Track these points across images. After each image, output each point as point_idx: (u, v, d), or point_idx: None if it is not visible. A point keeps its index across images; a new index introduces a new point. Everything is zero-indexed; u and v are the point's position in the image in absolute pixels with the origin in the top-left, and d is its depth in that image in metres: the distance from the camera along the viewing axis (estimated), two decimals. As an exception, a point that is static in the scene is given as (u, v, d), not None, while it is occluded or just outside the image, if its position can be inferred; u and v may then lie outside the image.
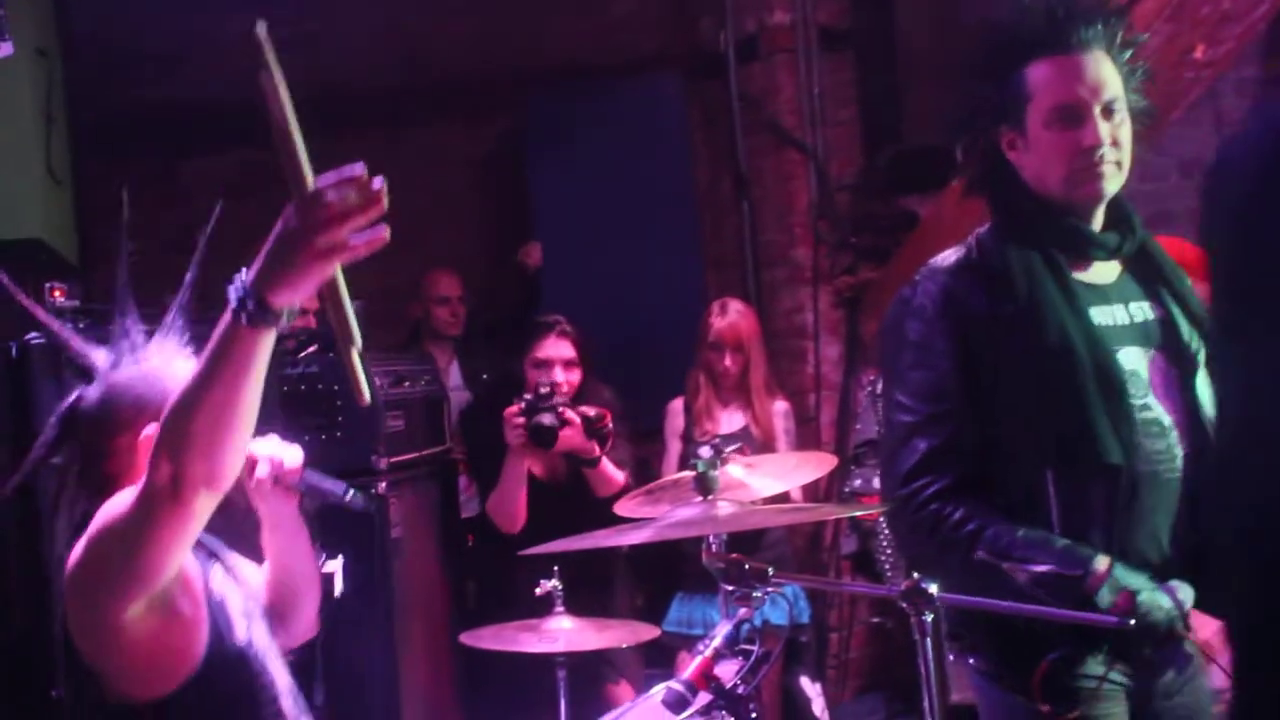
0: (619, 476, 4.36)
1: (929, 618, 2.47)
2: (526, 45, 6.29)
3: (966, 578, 2.47)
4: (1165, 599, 2.43)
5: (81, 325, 3.92)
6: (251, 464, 2.40)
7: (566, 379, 4.43)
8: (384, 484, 4.15)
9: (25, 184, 5.28)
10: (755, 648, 2.79)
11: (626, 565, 4.63)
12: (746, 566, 2.64)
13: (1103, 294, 2.65)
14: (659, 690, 2.73)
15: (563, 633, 3.63)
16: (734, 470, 3.42)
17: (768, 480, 3.43)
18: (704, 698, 2.69)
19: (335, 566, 3.06)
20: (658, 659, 4.54)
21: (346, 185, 1.75)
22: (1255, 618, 1.92)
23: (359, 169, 1.76)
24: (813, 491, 5.02)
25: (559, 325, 4.50)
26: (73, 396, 2.36)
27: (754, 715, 2.72)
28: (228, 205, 2.42)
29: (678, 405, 5.00)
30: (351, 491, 2.54)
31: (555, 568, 3.68)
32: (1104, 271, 2.68)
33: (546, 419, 4.16)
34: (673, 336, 5.24)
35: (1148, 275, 2.70)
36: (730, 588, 2.68)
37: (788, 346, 5.92)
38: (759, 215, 6.10)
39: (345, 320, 1.85)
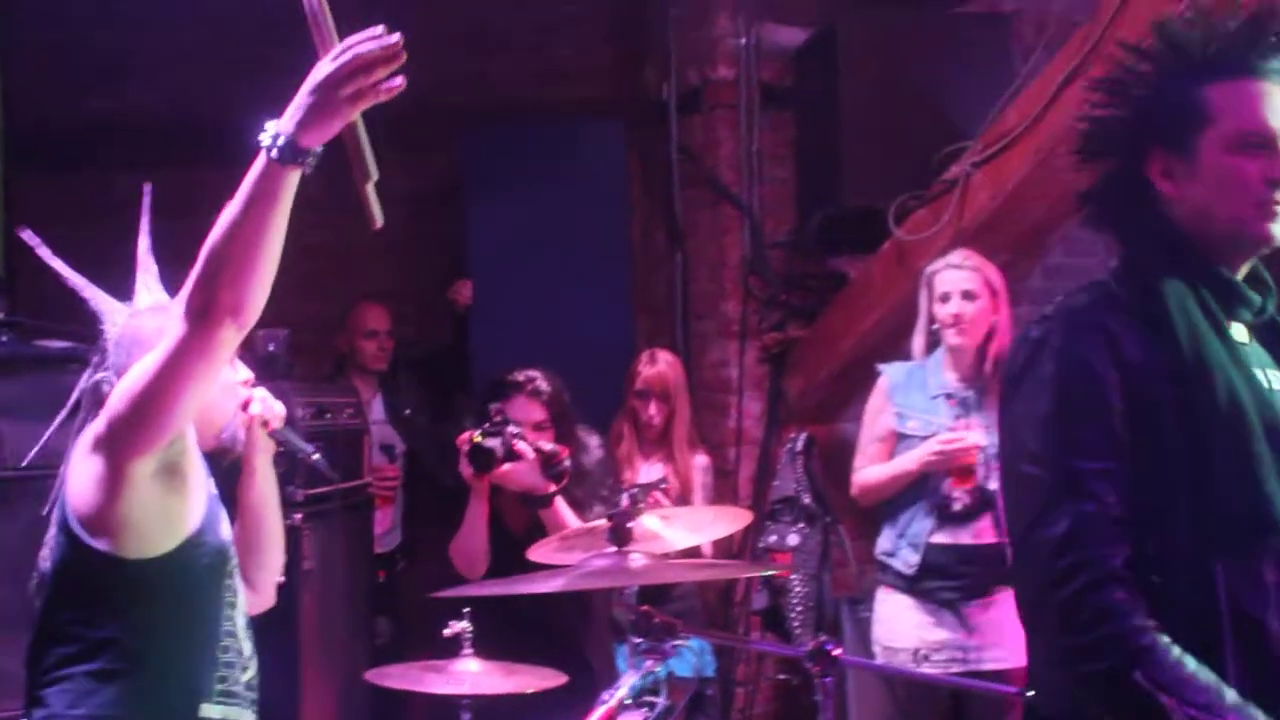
0: (573, 520, 3.98)
1: (832, 679, 2.50)
2: (469, 84, 6.32)
3: (1095, 685, 2.19)
4: None
5: (4, 339, 3.92)
6: (246, 402, 2.78)
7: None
8: (299, 516, 4.13)
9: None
10: (660, 699, 2.81)
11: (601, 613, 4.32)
12: (656, 620, 2.66)
13: (1244, 355, 2.34)
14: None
15: (469, 675, 3.61)
16: (649, 521, 3.44)
17: (682, 533, 3.46)
18: (606, 748, 2.70)
19: None
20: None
21: (370, 40, 2.01)
22: None
23: (380, 29, 2.01)
24: (726, 546, 5.05)
25: (530, 384, 4.13)
26: (91, 373, 2.55)
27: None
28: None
29: (598, 452, 5.00)
30: (319, 455, 3.08)
31: (466, 609, 3.65)
32: (1239, 333, 2.38)
33: (490, 442, 3.92)
34: (600, 382, 5.25)
35: (1270, 342, 2.42)
36: (638, 640, 2.70)
37: (711, 399, 5.95)
38: (692, 267, 6.14)
39: (363, 158, 2.09)
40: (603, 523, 3.25)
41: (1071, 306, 2.36)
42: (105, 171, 5.96)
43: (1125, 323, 2.28)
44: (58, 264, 2.59)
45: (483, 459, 3.93)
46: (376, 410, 5.75)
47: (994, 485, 4.28)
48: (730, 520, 4.00)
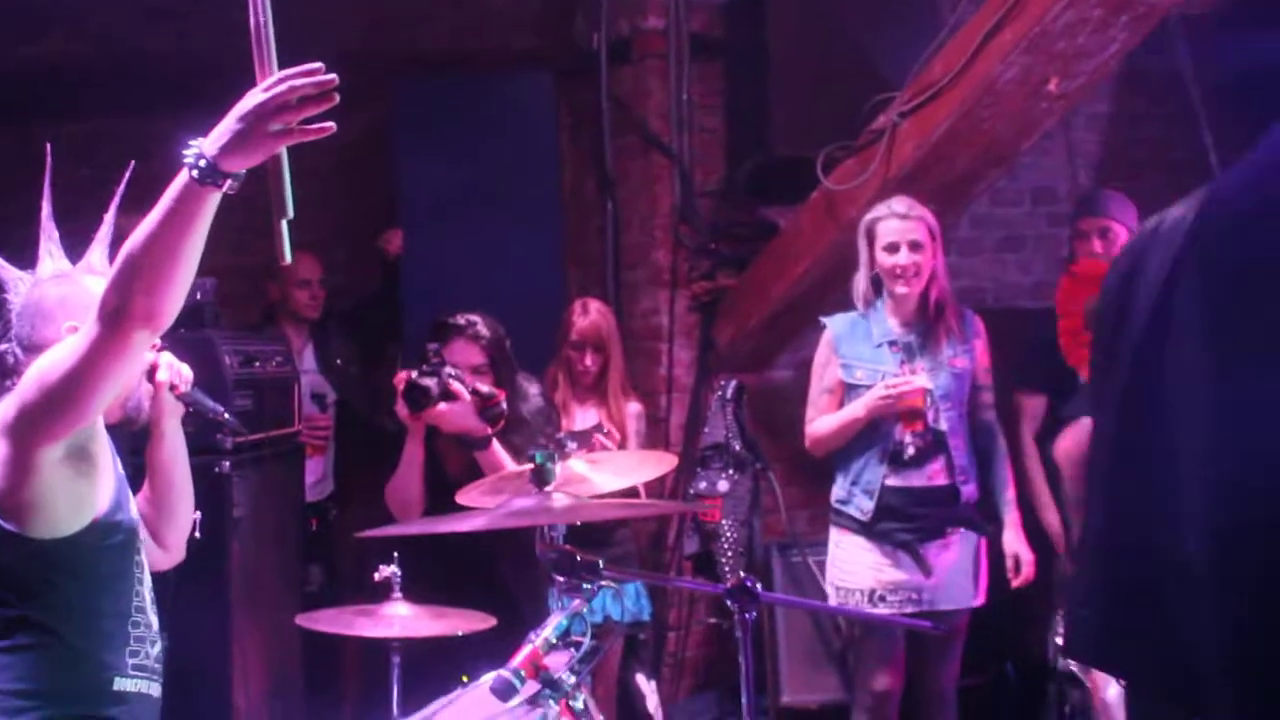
0: (510, 464, 3.95)
1: (752, 615, 2.55)
2: (399, 32, 6.28)
3: None
4: None
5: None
6: (153, 368, 2.80)
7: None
8: (228, 463, 4.13)
9: None
10: (586, 640, 2.84)
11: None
12: (578, 559, 2.69)
13: None
14: (489, 678, 2.77)
15: (398, 618, 3.64)
16: (577, 465, 3.48)
17: (609, 477, 3.50)
18: (532, 686, 2.74)
19: (195, 515, 3.09)
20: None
21: (304, 77, 2.03)
22: None
23: (318, 66, 2.04)
24: (657, 491, 5.10)
25: (471, 328, 4.13)
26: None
27: (581, 706, 2.77)
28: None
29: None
30: (229, 415, 3.20)
31: (395, 554, 3.68)
32: None
33: (425, 381, 3.92)
34: (531, 332, 5.25)
35: None
36: (561, 579, 2.73)
37: (642, 347, 5.99)
38: (622, 217, 6.15)
39: (282, 193, 2.10)
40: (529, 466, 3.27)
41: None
42: (22, 123, 5.89)
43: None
44: None
45: (417, 397, 3.93)
46: (308, 359, 5.74)
47: (944, 427, 4.35)
48: (656, 464, 4.04)
